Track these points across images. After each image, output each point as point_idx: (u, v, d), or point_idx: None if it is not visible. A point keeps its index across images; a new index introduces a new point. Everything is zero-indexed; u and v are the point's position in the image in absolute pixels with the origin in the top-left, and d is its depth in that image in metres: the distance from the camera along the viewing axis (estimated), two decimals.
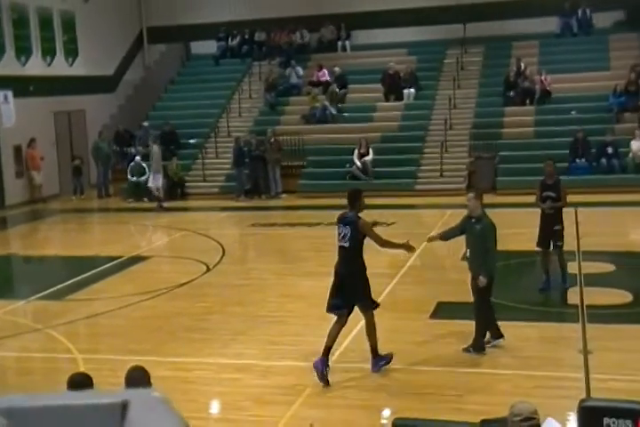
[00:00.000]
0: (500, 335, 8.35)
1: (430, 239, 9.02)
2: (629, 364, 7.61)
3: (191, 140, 23.69)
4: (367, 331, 8.03)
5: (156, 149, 20.83)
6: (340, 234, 7.87)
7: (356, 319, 9.42)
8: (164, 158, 21.73)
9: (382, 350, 8.08)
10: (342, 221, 7.90)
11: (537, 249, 10.50)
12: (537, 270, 11.85)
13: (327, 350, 7.76)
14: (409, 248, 8.33)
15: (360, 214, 7.93)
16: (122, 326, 9.95)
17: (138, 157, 21.99)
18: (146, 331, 9.70)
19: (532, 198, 10.69)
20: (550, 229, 10.21)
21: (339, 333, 7.88)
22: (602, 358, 7.77)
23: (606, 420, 4.37)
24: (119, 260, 13.94)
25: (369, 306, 7.97)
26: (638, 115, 20.44)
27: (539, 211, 10.42)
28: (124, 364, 6.14)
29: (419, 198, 19.65)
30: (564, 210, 10.60)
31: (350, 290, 7.84)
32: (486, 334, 8.24)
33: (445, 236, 8.83)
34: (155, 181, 20.55)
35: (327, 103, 23.09)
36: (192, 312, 10.42)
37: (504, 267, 10.88)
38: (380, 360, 7.96)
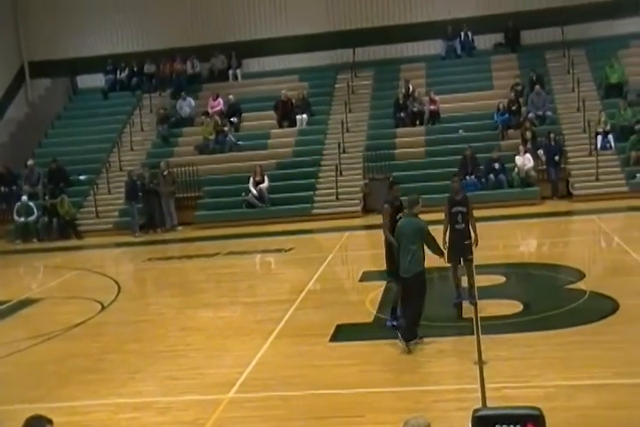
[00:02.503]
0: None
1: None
2: (522, 371, 7.79)
3: (81, 177, 23.11)
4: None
5: None
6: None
7: (255, 349, 9.34)
8: (53, 196, 21.01)
9: (284, 377, 8.19)
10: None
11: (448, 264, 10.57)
12: (435, 287, 12.05)
13: (393, 310, 9.54)
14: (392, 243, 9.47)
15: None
16: (11, 374, 9.44)
17: (24, 197, 21.23)
18: (38, 376, 9.23)
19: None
20: (461, 244, 10.30)
21: (399, 295, 9.51)
22: (496, 368, 7.92)
23: None
24: (7, 304, 13.33)
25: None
26: (521, 131, 21.30)
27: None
28: (14, 414, 5.83)
29: (316, 223, 19.78)
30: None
31: (388, 260, 9.61)
32: (418, 324, 8.71)
33: None
34: None
35: (227, 130, 23.00)
36: (87, 353, 10.02)
37: None
38: (394, 320, 9.48)
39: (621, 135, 20.94)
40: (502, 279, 11.84)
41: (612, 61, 22.64)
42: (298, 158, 22.35)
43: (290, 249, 16.32)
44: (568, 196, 20.24)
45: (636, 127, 20.69)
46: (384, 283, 11.97)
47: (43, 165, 22.92)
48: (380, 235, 10.06)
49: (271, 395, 7.85)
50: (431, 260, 11.33)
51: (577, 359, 8.03)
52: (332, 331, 9.77)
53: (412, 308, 8.90)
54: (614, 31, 23.94)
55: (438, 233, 10.20)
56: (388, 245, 9.62)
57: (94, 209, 21.87)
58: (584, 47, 24.23)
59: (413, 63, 25.17)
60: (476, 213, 10.81)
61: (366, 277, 12.93)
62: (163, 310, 12.31)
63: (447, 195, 10.96)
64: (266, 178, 21.02)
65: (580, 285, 11.15)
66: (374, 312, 10.53)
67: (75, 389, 8.63)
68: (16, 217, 21.03)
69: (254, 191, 20.82)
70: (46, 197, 21.97)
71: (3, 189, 22.65)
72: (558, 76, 23.86)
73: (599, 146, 20.78)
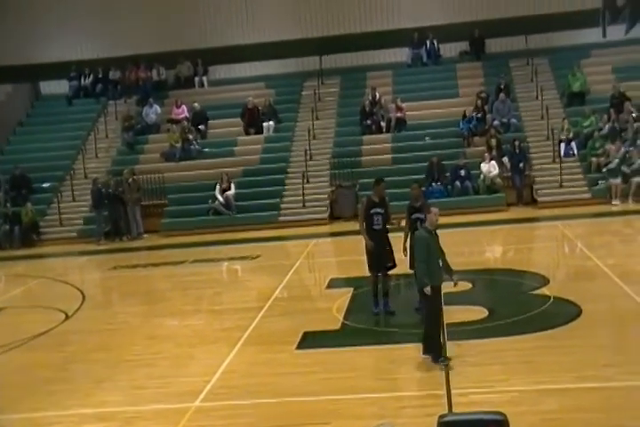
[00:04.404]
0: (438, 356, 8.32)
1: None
2: (487, 376, 7.84)
3: (44, 184, 22.81)
4: None
5: None
6: None
7: (222, 357, 9.29)
8: (16, 204, 20.67)
9: (251, 385, 8.16)
10: None
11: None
12: (400, 294, 12.10)
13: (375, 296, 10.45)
14: (367, 245, 10.18)
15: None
16: None
17: None
18: None
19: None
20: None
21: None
22: (462, 373, 7.96)
23: None
24: None
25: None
26: (486, 139, 21.51)
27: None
28: None
29: (283, 230, 19.77)
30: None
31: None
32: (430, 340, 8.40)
33: None
34: None
35: (191, 138, 22.90)
36: (51, 363, 9.87)
37: (365, 292, 11.06)
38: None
39: (584, 142, 21.26)
40: (468, 286, 11.90)
41: (575, 70, 23.00)
42: (264, 166, 22.32)
43: (257, 257, 16.27)
44: (533, 202, 20.47)
45: (595, 134, 21.05)
46: (351, 290, 12.02)
47: (4, 172, 22.59)
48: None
49: (238, 403, 7.81)
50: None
51: (541, 364, 8.10)
52: (298, 338, 9.75)
53: (425, 321, 8.74)
54: (576, 41, 24.37)
55: (399, 240, 10.28)
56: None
57: (58, 217, 21.61)
58: (547, 56, 24.61)
59: (380, 71, 25.32)
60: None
61: (333, 284, 12.94)
62: (128, 319, 12.18)
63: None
64: (232, 185, 20.96)
65: (545, 290, 11.27)
66: (341, 319, 10.53)
67: (37, 400, 8.48)
68: None
69: (221, 199, 20.74)
70: (8, 205, 21.65)
71: None
72: (522, 84, 24.17)
73: (562, 153, 21.05)
